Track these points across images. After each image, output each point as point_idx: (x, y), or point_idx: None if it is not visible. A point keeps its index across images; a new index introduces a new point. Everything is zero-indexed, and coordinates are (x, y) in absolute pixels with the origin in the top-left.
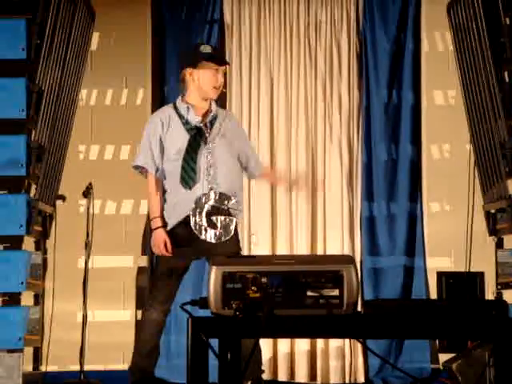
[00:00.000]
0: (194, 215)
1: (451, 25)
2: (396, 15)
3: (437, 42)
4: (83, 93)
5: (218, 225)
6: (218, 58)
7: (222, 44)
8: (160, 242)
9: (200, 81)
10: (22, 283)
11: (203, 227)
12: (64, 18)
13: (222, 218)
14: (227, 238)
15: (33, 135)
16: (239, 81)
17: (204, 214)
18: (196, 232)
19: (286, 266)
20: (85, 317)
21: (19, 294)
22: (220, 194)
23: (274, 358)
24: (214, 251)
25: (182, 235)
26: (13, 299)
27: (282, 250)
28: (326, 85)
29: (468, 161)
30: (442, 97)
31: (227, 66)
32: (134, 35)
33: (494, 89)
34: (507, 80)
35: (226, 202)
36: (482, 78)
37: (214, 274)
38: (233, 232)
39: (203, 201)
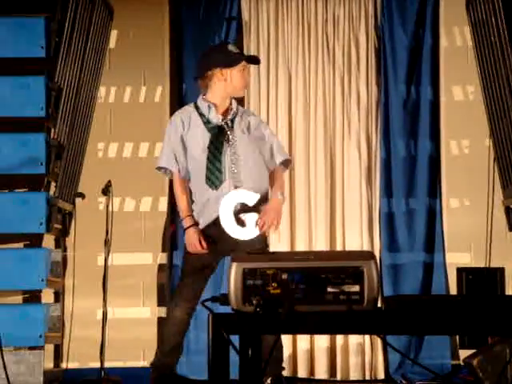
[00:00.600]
0: (222, 214)
1: (470, 20)
2: (414, 10)
3: (455, 38)
4: (102, 90)
5: (247, 223)
6: (251, 58)
7: (240, 41)
8: (195, 240)
9: (233, 80)
10: (43, 280)
11: (231, 226)
12: (82, 16)
13: (250, 215)
14: (255, 235)
15: (52, 133)
16: (257, 78)
17: (232, 212)
18: (226, 231)
19: (306, 262)
20: (105, 314)
21: (40, 291)
22: (246, 192)
23: (294, 355)
24: (242, 248)
25: (213, 234)
26: (33, 297)
27: (301, 246)
28: (344, 81)
29: (488, 156)
30: (461, 92)
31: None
32: (152, 33)
33: None
34: None
35: (251, 199)
36: (501, 73)
37: (235, 270)
38: (259, 230)
39: (230, 199)
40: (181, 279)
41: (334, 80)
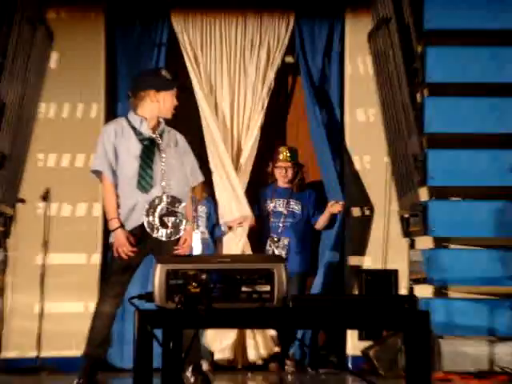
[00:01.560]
0: (148, 215)
1: (371, 51)
2: (323, 42)
3: (359, 66)
4: (42, 106)
5: (169, 225)
6: (180, 85)
7: (169, 64)
8: (124, 240)
9: (164, 103)
10: None
11: (155, 226)
12: (24, 39)
13: (173, 218)
14: (177, 236)
15: None
16: (182, 96)
17: (157, 214)
18: (149, 230)
19: (224, 264)
20: (41, 308)
21: None
22: (172, 197)
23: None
24: (163, 248)
25: (138, 235)
26: None
27: None
28: (257, 99)
29: (385, 171)
30: (363, 114)
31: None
32: (89, 55)
33: (408, 108)
34: (419, 100)
35: (176, 204)
36: (397, 99)
37: (159, 271)
38: (182, 232)
39: (156, 203)
40: (108, 277)
41: (246, 98)
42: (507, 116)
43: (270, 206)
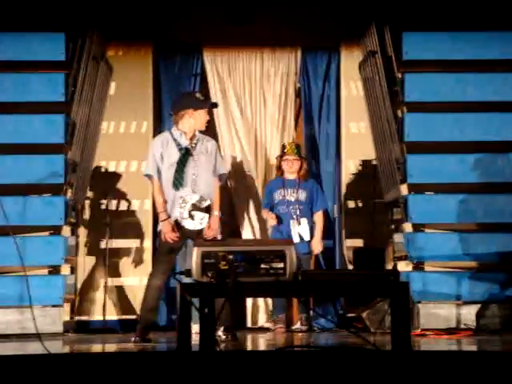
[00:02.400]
0: (180, 207)
1: (362, 77)
2: (323, 70)
3: (352, 89)
4: (104, 124)
5: (195, 218)
6: (214, 105)
7: (203, 89)
8: (170, 229)
9: (199, 119)
10: (62, 259)
11: (184, 217)
12: (90, 72)
13: (198, 213)
14: (199, 228)
15: (69, 154)
16: (216, 118)
17: (187, 208)
18: (179, 220)
19: (246, 246)
20: (106, 282)
21: (60, 266)
22: (200, 196)
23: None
24: (198, 235)
25: (178, 226)
26: (56, 270)
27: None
28: (275, 118)
29: (374, 171)
30: (356, 127)
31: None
32: (140, 83)
33: (391, 122)
34: (400, 116)
35: (203, 202)
36: (383, 114)
37: (196, 253)
38: (205, 224)
39: (187, 199)
40: (157, 257)
41: (266, 119)
42: (469, 127)
43: (280, 195)
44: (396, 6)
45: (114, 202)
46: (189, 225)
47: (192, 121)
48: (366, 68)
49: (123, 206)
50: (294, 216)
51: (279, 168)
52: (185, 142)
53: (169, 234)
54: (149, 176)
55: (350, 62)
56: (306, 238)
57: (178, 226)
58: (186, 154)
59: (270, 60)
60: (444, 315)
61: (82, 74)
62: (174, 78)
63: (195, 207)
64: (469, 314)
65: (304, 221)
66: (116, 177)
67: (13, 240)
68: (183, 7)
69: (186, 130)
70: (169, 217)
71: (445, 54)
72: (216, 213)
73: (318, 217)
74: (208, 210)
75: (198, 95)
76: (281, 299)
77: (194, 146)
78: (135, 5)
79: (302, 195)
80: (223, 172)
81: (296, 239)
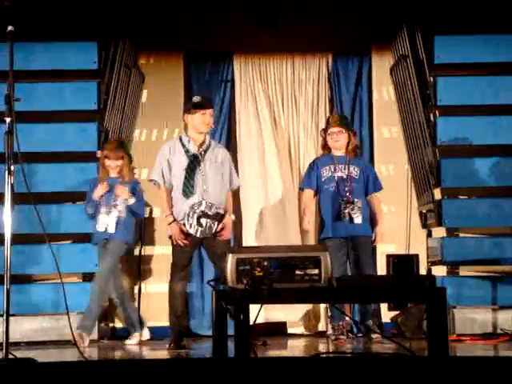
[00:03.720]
0: (188, 216)
1: (393, 81)
2: (354, 74)
3: (383, 93)
4: (136, 132)
5: (204, 225)
6: (202, 105)
7: (232, 96)
8: (178, 231)
9: (194, 121)
10: (96, 265)
11: (193, 225)
12: (122, 80)
13: (208, 220)
14: (209, 235)
15: None
16: (245, 123)
17: (196, 216)
18: (188, 228)
19: (281, 253)
20: (139, 289)
21: (93, 273)
22: (210, 203)
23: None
24: (209, 242)
25: (187, 231)
26: (90, 277)
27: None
28: (306, 124)
29: (407, 176)
30: (388, 131)
31: (211, 109)
32: (171, 91)
33: (423, 126)
34: (432, 119)
35: (212, 209)
36: (415, 118)
37: (230, 259)
38: (213, 231)
39: (196, 207)
40: (173, 264)
41: (299, 124)
42: (502, 131)
43: (329, 171)
44: (427, 10)
45: (147, 209)
46: (197, 232)
47: (190, 125)
48: (398, 72)
49: (156, 212)
50: (345, 195)
51: (325, 145)
52: (193, 149)
53: (177, 236)
54: (154, 181)
55: (381, 66)
56: (357, 220)
57: (187, 231)
58: (194, 161)
59: (301, 66)
60: (480, 320)
61: (114, 83)
62: (204, 85)
63: (204, 214)
64: (506, 319)
65: (357, 201)
66: (149, 184)
67: (48, 248)
68: (214, 15)
69: (192, 136)
70: (175, 219)
71: (477, 57)
72: (231, 216)
73: (377, 199)
74: (217, 216)
75: (193, 98)
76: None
77: (202, 152)
78: (166, 13)
79: (354, 172)
80: (237, 185)
81: (346, 220)
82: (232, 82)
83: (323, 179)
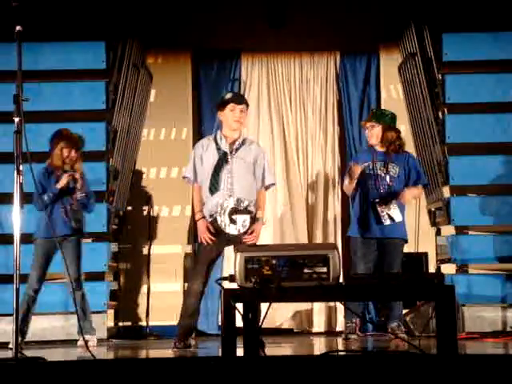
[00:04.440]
0: (220, 215)
1: (401, 79)
2: (362, 73)
3: (391, 91)
4: (145, 131)
5: (237, 221)
6: (234, 100)
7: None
8: (204, 229)
9: (225, 118)
10: (105, 265)
11: (227, 224)
12: (130, 80)
13: (240, 216)
14: (245, 230)
15: (110, 162)
16: (250, 121)
17: (227, 214)
18: (222, 228)
19: (289, 251)
20: (148, 288)
21: (103, 272)
22: (237, 198)
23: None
24: (239, 238)
25: (216, 228)
26: (99, 276)
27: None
28: (315, 122)
29: None
30: None
31: (242, 105)
32: (179, 91)
33: (432, 123)
34: (440, 117)
35: (242, 204)
36: (423, 116)
37: (239, 258)
38: (247, 226)
39: (225, 204)
40: (196, 262)
41: (307, 122)
42: (510, 128)
43: (367, 169)
44: (435, 7)
45: (155, 208)
46: (232, 230)
47: (223, 122)
48: (406, 70)
49: (164, 212)
50: (380, 194)
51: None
52: (225, 146)
53: (204, 234)
54: (187, 178)
55: (389, 64)
56: (398, 218)
57: (217, 230)
58: (222, 158)
59: (308, 65)
60: (489, 318)
61: (123, 82)
62: (212, 84)
63: (234, 210)
64: None
65: (393, 203)
66: (157, 183)
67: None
68: (221, 14)
69: (226, 134)
70: (204, 217)
71: (485, 54)
72: (261, 219)
73: (418, 190)
74: (248, 211)
75: (226, 95)
76: (354, 304)
77: (234, 150)
78: (174, 13)
79: (393, 170)
80: (271, 183)
81: (386, 221)
82: (240, 81)
83: (362, 176)
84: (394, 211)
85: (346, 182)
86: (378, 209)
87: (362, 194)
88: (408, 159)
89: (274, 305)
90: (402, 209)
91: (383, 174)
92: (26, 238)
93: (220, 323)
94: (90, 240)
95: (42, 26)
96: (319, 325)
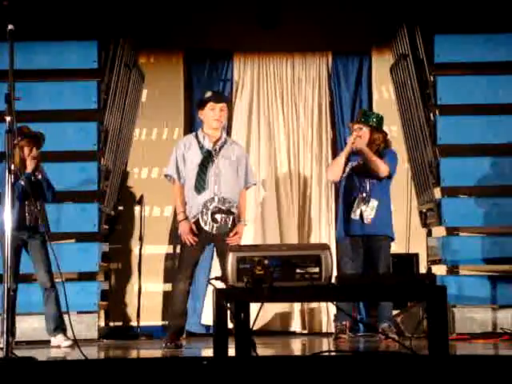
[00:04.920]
0: (202, 213)
1: (393, 80)
2: (354, 74)
3: (383, 93)
4: (136, 131)
5: (219, 220)
6: (214, 99)
7: (232, 96)
8: (187, 230)
9: (205, 117)
10: (96, 265)
11: (208, 222)
12: (122, 80)
13: (222, 215)
14: (225, 230)
15: (102, 161)
16: (242, 121)
17: (210, 212)
18: (202, 225)
19: (281, 251)
20: (139, 288)
21: (94, 272)
22: (223, 198)
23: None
24: (217, 239)
25: (199, 227)
26: (90, 276)
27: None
28: (306, 123)
29: (406, 175)
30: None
31: (221, 104)
32: (171, 91)
33: (423, 125)
34: (432, 119)
35: (226, 204)
36: (414, 118)
37: (231, 258)
38: (229, 226)
39: (209, 203)
40: (180, 262)
41: (298, 123)
42: (502, 130)
43: (351, 168)
44: (427, 9)
45: (146, 209)
46: (213, 228)
47: (204, 121)
48: (398, 71)
49: (156, 212)
50: (364, 194)
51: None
52: (208, 145)
53: (187, 235)
54: (169, 177)
55: (381, 65)
56: (366, 220)
57: (198, 229)
58: (207, 157)
59: (300, 65)
60: (480, 319)
61: (114, 82)
62: (204, 84)
63: (218, 210)
64: (505, 318)
65: (373, 201)
66: (148, 183)
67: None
68: (213, 14)
69: (208, 132)
70: (186, 217)
71: (477, 56)
72: (243, 221)
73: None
74: (231, 212)
75: (206, 94)
76: (345, 304)
77: (217, 149)
78: (166, 13)
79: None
80: (253, 183)
81: (355, 217)
82: (232, 81)
83: (344, 174)
84: (369, 211)
85: (339, 158)
86: (354, 205)
87: (345, 193)
88: (385, 155)
89: (256, 306)
90: (385, 208)
91: (366, 175)
92: None
93: (203, 322)
94: (80, 240)
95: (34, 25)
96: (301, 326)
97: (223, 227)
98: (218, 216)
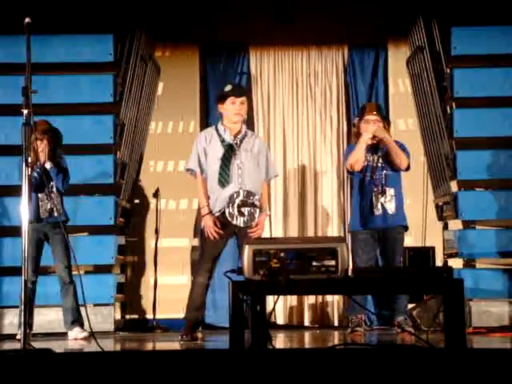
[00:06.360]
0: (228, 207)
1: (409, 73)
2: (370, 66)
3: (399, 86)
4: (152, 124)
5: (245, 214)
6: (235, 93)
7: (249, 89)
8: (211, 224)
9: (226, 110)
10: (112, 258)
11: (235, 215)
12: (138, 73)
13: (248, 208)
14: (252, 222)
15: (118, 155)
16: (260, 114)
17: (236, 206)
18: (229, 219)
19: (297, 244)
20: (155, 281)
21: (110, 265)
22: (247, 191)
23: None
24: (244, 232)
25: (222, 221)
26: (106, 269)
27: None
28: (322, 116)
29: (423, 168)
30: (404, 123)
31: (241, 98)
32: (187, 84)
33: (440, 117)
34: (449, 111)
35: (251, 197)
36: (431, 110)
37: (247, 251)
38: (256, 219)
39: (235, 196)
40: (201, 255)
41: (315, 115)
42: None
43: (366, 161)
44: (443, 1)
45: (162, 202)
46: (240, 222)
47: (224, 115)
48: (414, 64)
49: (172, 205)
50: (379, 185)
51: (358, 133)
52: (229, 138)
53: (211, 229)
54: (191, 171)
55: (397, 58)
56: (390, 211)
57: (222, 222)
58: (229, 150)
59: (316, 58)
60: (496, 313)
61: (130, 75)
62: (220, 77)
63: (244, 203)
64: None
65: (389, 190)
66: (164, 176)
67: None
68: (229, 7)
69: (228, 125)
70: (211, 211)
71: (494, 48)
72: (264, 211)
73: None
74: (255, 205)
75: (226, 87)
76: (358, 297)
77: (238, 142)
78: (182, 5)
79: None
80: (274, 175)
81: (377, 212)
82: (248, 74)
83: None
84: (388, 203)
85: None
86: (373, 198)
87: (360, 186)
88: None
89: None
90: (400, 198)
91: (379, 165)
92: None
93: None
94: (97, 233)
95: (50, 18)
96: (312, 319)
97: (250, 220)
98: (244, 209)
